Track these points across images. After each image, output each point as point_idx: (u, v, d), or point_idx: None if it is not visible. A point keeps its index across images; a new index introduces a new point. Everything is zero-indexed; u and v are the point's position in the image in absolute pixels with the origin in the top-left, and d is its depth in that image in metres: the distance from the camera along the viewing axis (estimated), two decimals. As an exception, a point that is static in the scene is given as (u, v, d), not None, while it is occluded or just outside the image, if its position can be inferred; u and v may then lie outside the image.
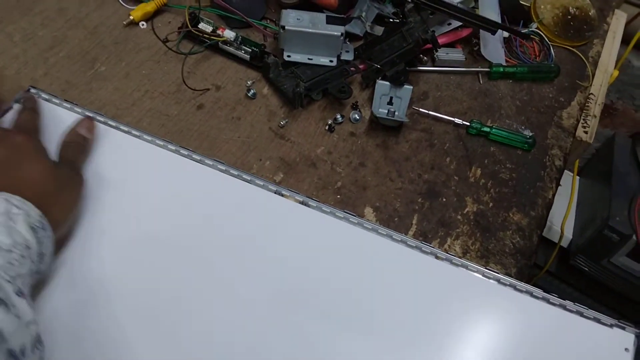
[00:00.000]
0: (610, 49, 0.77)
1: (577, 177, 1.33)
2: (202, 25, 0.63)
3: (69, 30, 0.65)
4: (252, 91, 0.62)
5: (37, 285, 0.43)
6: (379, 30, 0.67)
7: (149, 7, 0.66)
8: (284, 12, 0.61)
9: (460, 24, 0.68)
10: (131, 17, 0.65)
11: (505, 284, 0.46)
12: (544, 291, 0.45)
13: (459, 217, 0.56)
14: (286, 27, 0.60)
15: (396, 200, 0.56)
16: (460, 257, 0.48)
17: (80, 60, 0.62)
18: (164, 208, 0.49)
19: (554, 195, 0.60)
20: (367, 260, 0.47)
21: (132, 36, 0.65)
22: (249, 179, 0.51)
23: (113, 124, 0.54)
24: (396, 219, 0.55)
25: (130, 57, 0.63)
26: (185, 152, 0.52)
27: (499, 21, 0.69)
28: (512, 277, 0.47)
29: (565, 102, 0.67)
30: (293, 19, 0.61)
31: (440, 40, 0.67)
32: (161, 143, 0.52)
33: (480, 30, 0.66)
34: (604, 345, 0.43)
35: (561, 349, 0.42)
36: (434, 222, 0.55)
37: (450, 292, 0.45)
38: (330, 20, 0.62)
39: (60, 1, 0.67)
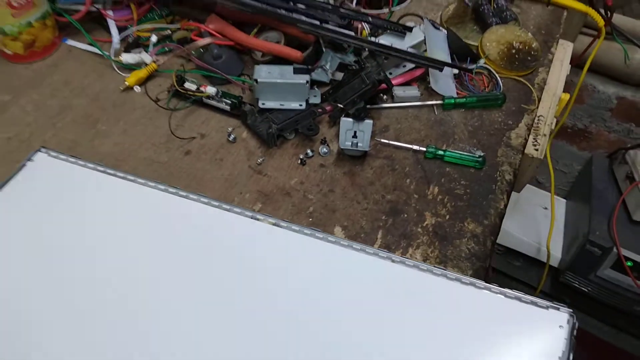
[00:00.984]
0: (557, 75, 0.86)
1: (564, 200, 1.39)
2: (187, 85, 0.73)
3: (73, 98, 0.75)
4: (232, 136, 0.70)
5: None
6: (340, 76, 0.76)
7: (141, 74, 0.76)
8: (257, 67, 0.71)
9: (414, 65, 0.77)
10: (127, 83, 0.75)
11: (451, 279, 0.52)
12: (485, 282, 0.51)
13: (419, 229, 0.63)
14: (259, 80, 0.70)
15: (362, 219, 0.63)
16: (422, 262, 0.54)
17: (84, 122, 0.72)
18: (154, 238, 0.57)
19: (505, 205, 0.66)
20: (330, 268, 0.54)
21: (128, 99, 0.75)
22: (228, 207, 0.58)
23: (111, 172, 0.62)
24: (362, 235, 0.62)
25: (127, 116, 0.73)
26: (173, 190, 0.60)
27: (449, 61, 0.78)
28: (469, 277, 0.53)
29: (513, 125, 0.75)
30: (265, 72, 0.71)
31: (397, 80, 0.77)
32: (152, 184, 0.61)
33: (429, 69, 0.75)
34: (541, 324, 0.48)
35: (504, 329, 0.48)
36: (397, 236, 0.62)
37: (417, 293, 0.52)
38: (297, 71, 0.71)
39: (66, 75, 0.78)
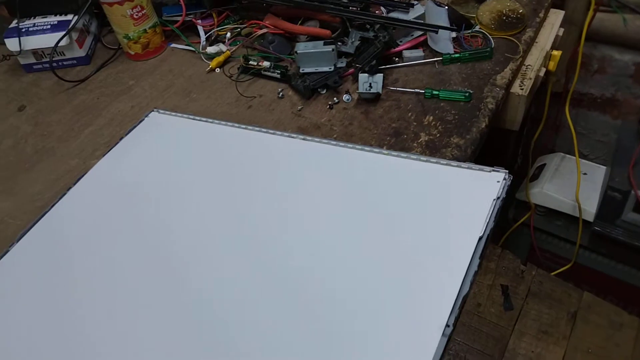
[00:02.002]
0: (548, 35, 1.04)
1: (604, 167, 1.49)
2: (251, 62, 1.01)
3: (175, 79, 1.07)
4: (281, 94, 0.97)
5: None
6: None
7: (220, 59, 1.06)
8: (297, 44, 0.98)
9: (421, 32, 0.99)
10: (210, 66, 1.06)
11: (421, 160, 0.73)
12: (438, 157, 0.71)
13: (415, 144, 0.84)
14: (298, 51, 0.96)
15: (372, 140, 0.86)
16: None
17: (181, 94, 1.03)
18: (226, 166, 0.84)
19: (487, 125, 0.86)
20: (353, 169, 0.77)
21: (211, 77, 1.05)
22: (272, 132, 0.84)
23: (199, 118, 0.91)
24: (371, 149, 0.84)
25: (210, 88, 1.03)
26: (237, 125, 0.87)
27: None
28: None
29: (499, 70, 0.94)
30: (303, 46, 0.97)
31: (406, 45, 0.99)
32: (224, 123, 0.89)
33: (428, 34, 0.97)
34: (486, 181, 0.67)
35: (460, 186, 0.68)
36: (397, 149, 0.83)
37: (397, 173, 0.73)
38: (325, 43, 0.97)
39: (170, 66, 1.10)
